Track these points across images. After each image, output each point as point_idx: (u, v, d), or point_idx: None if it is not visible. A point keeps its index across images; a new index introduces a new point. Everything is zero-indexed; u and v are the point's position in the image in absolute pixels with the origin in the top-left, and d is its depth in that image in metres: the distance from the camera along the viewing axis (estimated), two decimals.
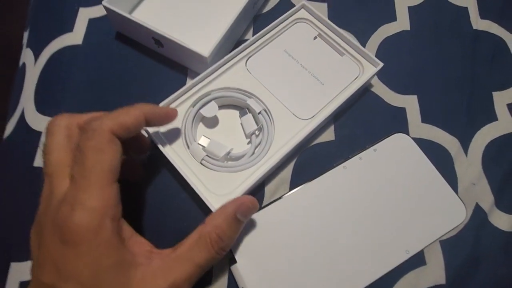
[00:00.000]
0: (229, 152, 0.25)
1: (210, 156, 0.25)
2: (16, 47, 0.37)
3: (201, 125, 0.27)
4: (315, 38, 0.29)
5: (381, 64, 0.27)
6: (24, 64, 0.32)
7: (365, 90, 0.30)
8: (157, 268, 0.18)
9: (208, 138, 0.26)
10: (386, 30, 0.32)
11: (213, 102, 0.26)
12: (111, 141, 0.18)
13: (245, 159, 0.25)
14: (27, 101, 0.29)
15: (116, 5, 0.27)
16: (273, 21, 0.32)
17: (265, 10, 0.33)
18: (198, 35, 0.30)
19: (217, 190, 0.24)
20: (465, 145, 0.28)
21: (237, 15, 0.28)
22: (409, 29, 0.32)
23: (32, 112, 0.29)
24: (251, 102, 0.26)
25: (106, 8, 0.27)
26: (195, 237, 0.19)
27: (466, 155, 0.27)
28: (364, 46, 0.31)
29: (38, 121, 0.28)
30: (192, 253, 0.18)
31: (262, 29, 0.32)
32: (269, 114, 0.27)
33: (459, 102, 0.29)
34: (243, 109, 0.27)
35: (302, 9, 0.30)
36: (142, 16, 0.31)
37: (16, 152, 0.28)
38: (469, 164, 0.27)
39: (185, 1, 0.32)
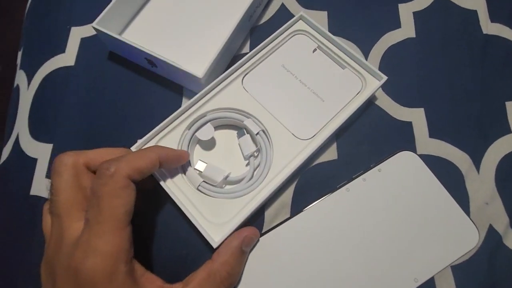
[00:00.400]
0: (227, 177, 0.24)
1: (207, 182, 0.24)
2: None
3: (197, 147, 0.26)
4: (314, 50, 0.28)
5: (384, 78, 0.26)
6: (18, 86, 0.31)
7: (369, 103, 0.28)
8: None
9: (205, 163, 0.25)
10: (390, 38, 0.30)
11: (209, 124, 0.25)
12: (126, 187, 0.18)
13: (243, 184, 0.24)
14: (21, 126, 0.29)
15: (106, 26, 0.27)
16: (272, 32, 0.31)
17: (262, 21, 0.31)
18: (193, 52, 0.29)
19: (215, 218, 0.23)
20: (476, 161, 0.26)
21: (233, 30, 0.27)
22: (414, 36, 0.30)
23: (26, 137, 0.28)
24: (248, 123, 0.25)
25: (96, 29, 0.27)
26: (204, 274, 0.19)
27: (478, 172, 0.26)
28: (366, 56, 0.30)
29: (32, 147, 0.28)
30: None
31: (260, 42, 0.31)
32: (267, 135, 0.25)
33: (470, 114, 0.28)
34: (241, 129, 0.26)
35: (300, 21, 0.29)
36: (134, 35, 0.30)
37: (12, 179, 0.28)
38: (482, 182, 0.26)
39: (177, 17, 0.31)
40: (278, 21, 0.31)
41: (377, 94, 0.28)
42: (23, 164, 0.27)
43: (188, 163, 0.24)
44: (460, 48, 0.30)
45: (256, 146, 0.25)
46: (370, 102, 0.28)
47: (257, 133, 0.25)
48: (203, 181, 0.24)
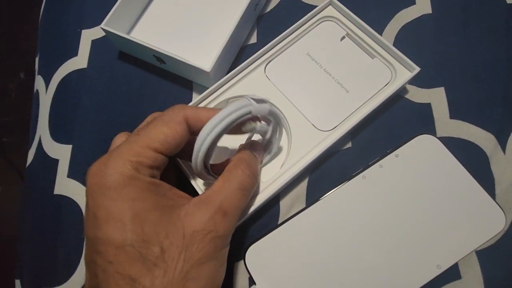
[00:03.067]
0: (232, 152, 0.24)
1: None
2: None
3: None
4: (342, 38, 0.27)
5: (417, 69, 0.24)
6: (37, 91, 0.32)
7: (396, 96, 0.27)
8: (199, 202, 0.18)
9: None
10: (405, 16, 0.29)
11: (220, 146, 0.22)
12: (179, 122, 0.19)
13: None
14: (43, 129, 0.30)
15: (114, 26, 0.27)
16: (279, 20, 0.30)
17: (268, 9, 0.31)
18: (200, 46, 0.29)
19: None
20: (502, 141, 0.25)
21: (238, 21, 0.26)
22: (430, 12, 0.28)
23: (48, 140, 0.29)
24: (256, 110, 0.20)
25: (104, 30, 0.27)
26: (226, 172, 0.19)
27: (504, 152, 0.24)
28: (380, 35, 0.28)
29: (54, 149, 0.29)
30: (230, 179, 0.19)
31: (267, 31, 0.30)
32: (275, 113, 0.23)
33: (494, 91, 0.26)
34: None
35: (330, 6, 0.27)
36: (141, 33, 0.30)
37: (37, 180, 0.29)
38: (508, 162, 0.24)
39: (183, 12, 0.30)
40: (284, 8, 0.30)
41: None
42: (46, 166, 0.29)
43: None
44: (481, 22, 0.28)
45: (268, 123, 0.22)
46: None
47: (270, 113, 0.21)
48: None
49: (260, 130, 0.21)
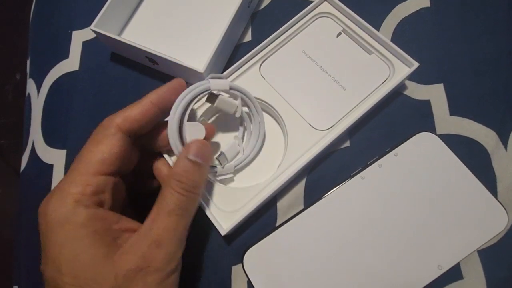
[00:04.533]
0: (239, 141, 0.24)
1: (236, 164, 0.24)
2: None
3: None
4: (338, 34, 0.26)
5: (416, 64, 0.24)
6: (29, 95, 0.32)
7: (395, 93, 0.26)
8: (135, 238, 0.17)
9: (219, 153, 0.24)
10: (403, 10, 0.28)
11: (192, 123, 0.22)
12: (112, 135, 0.18)
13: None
14: (35, 134, 0.30)
15: (104, 27, 0.26)
16: (273, 17, 0.29)
17: (262, 6, 0.30)
18: (193, 46, 0.28)
19: (226, 206, 0.23)
20: (504, 138, 0.24)
21: (232, 18, 0.26)
22: (429, 5, 0.28)
23: (41, 144, 0.29)
24: (215, 85, 0.22)
25: (95, 32, 0.26)
26: (159, 194, 0.19)
27: (506, 149, 0.24)
28: (377, 31, 0.28)
29: (48, 154, 0.28)
30: (160, 206, 0.18)
31: (262, 28, 0.29)
32: (238, 88, 0.23)
33: (495, 86, 0.25)
34: (212, 97, 0.24)
35: (325, 2, 0.27)
36: (133, 34, 0.29)
37: (32, 186, 0.29)
38: (510, 159, 0.24)
39: (175, 12, 0.30)
40: (279, 5, 0.29)
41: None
42: (41, 171, 0.28)
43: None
44: (481, 15, 0.27)
45: (236, 98, 0.23)
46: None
47: (230, 88, 0.23)
48: (235, 166, 0.24)
49: (226, 102, 0.23)
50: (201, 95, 0.22)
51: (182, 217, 0.18)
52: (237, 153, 0.24)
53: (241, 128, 0.25)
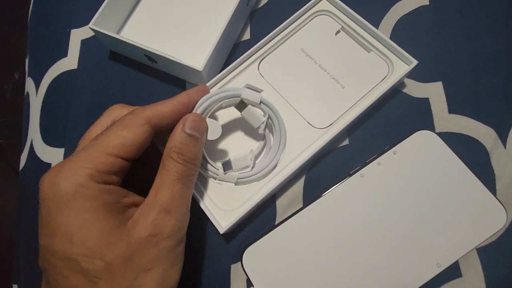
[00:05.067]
0: (252, 157, 0.24)
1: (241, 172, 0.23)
2: None
3: (206, 147, 0.25)
4: (337, 32, 0.26)
5: (414, 62, 0.24)
6: (28, 93, 0.32)
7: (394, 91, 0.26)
8: (143, 207, 0.18)
9: (227, 160, 0.24)
10: (401, 8, 0.28)
11: (211, 120, 0.23)
12: (140, 125, 0.18)
13: (254, 170, 0.23)
14: (34, 133, 0.29)
15: (103, 26, 0.26)
16: (272, 15, 0.29)
17: (261, 4, 0.30)
18: (192, 44, 0.28)
19: (224, 205, 0.23)
20: (503, 136, 0.24)
21: (230, 17, 0.26)
22: (427, 3, 0.28)
23: (40, 143, 0.29)
24: (246, 95, 0.23)
25: (93, 30, 0.26)
26: (160, 166, 0.19)
27: (505, 147, 0.24)
28: (376, 29, 0.28)
29: (46, 153, 0.28)
30: (164, 176, 0.18)
31: (261, 26, 0.29)
32: (269, 105, 0.24)
33: (494, 84, 0.25)
34: (241, 105, 0.24)
35: (324, 0, 0.27)
36: (132, 32, 0.29)
37: (31, 185, 0.29)
38: (509, 157, 0.24)
39: (174, 10, 0.30)
40: (278, 3, 0.29)
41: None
42: (39, 170, 0.28)
43: (216, 168, 0.24)
44: (480, 12, 0.27)
45: (264, 114, 0.24)
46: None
47: (260, 102, 0.23)
48: (239, 173, 0.23)
49: (252, 114, 0.23)
50: (229, 99, 0.23)
51: (186, 186, 0.19)
52: (246, 167, 0.23)
53: (261, 143, 0.25)
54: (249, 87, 0.23)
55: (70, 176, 0.16)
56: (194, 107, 0.22)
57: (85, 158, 0.17)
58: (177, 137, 0.19)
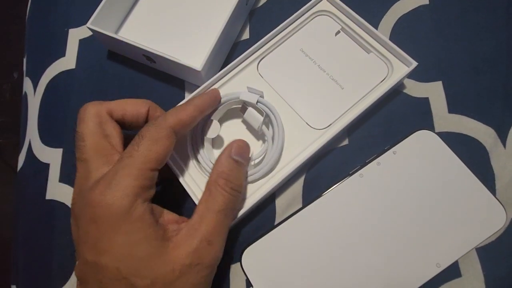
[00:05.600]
0: (252, 155, 0.23)
1: None
2: None
3: (207, 146, 0.25)
4: (337, 33, 0.26)
5: (414, 64, 0.23)
6: (25, 93, 0.32)
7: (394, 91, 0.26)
8: (186, 233, 0.18)
9: None
10: (401, 7, 0.28)
11: (213, 121, 0.24)
12: (167, 136, 0.19)
13: (253, 170, 0.23)
14: (32, 133, 0.29)
15: (101, 25, 0.26)
16: (272, 15, 0.29)
17: (260, 3, 0.30)
18: (191, 43, 0.28)
19: None
20: (502, 135, 0.24)
21: (229, 16, 0.25)
22: (427, 3, 0.28)
23: (38, 143, 0.29)
24: (244, 96, 0.24)
25: (91, 30, 0.26)
26: (206, 191, 0.20)
27: (505, 147, 0.24)
28: (376, 28, 0.28)
29: (44, 153, 0.28)
30: (209, 205, 0.19)
31: (260, 26, 0.29)
32: (267, 104, 0.24)
33: (494, 84, 0.25)
34: (244, 108, 0.25)
35: (324, 0, 0.26)
36: (130, 32, 0.29)
37: (28, 185, 0.29)
38: (509, 157, 0.24)
39: (172, 10, 0.29)
40: (277, 3, 0.29)
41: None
42: (37, 170, 0.28)
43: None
44: (480, 11, 0.27)
45: (262, 114, 0.24)
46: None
47: (257, 102, 0.24)
48: None
49: (252, 115, 0.23)
50: (230, 103, 0.24)
51: (228, 217, 0.19)
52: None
53: (261, 144, 0.25)
54: (249, 90, 0.24)
55: (121, 196, 0.17)
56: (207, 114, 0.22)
57: (129, 177, 0.17)
58: (224, 163, 0.20)
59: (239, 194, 0.20)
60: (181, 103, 0.24)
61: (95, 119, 0.20)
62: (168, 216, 0.20)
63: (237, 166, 0.20)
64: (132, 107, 0.21)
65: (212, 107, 0.23)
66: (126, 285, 0.16)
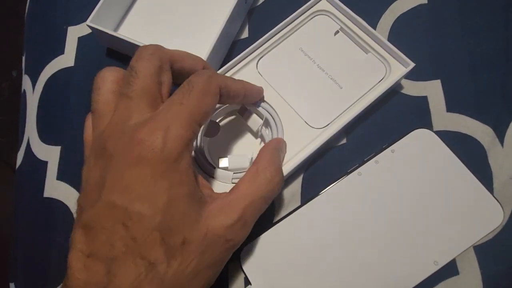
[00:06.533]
0: (252, 158, 0.24)
1: (236, 172, 0.23)
2: None
3: (207, 146, 0.25)
4: (336, 33, 0.26)
5: (412, 64, 0.24)
6: (24, 91, 0.31)
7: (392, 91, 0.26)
8: (224, 206, 0.18)
9: (225, 157, 0.24)
10: (400, 6, 0.28)
11: (211, 121, 0.24)
12: (215, 93, 0.18)
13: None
14: (31, 130, 0.29)
15: (100, 23, 0.26)
16: (271, 14, 0.29)
17: (260, 2, 0.30)
18: (190, 42, 0.28)
19: None
20: (500, 134, 0.24)
21: (229, 15, 0.25)
22: (426, 2, 0.28)
23: (36, 141, 0.29)
24: None
25: (90, 27, 0.26)
26: (254, 171, 0.19)
27: (502, 145, 0.24)
28: (374, 29, 0.28)
29: (43, 151, 0.28)
30: (254, 188, 0.18)
31: (259, 25, 0.29)
32: (268, 103, 0.25)
33: (492, 83, 0.25)
34: (244, 110, 0.25)
35: (323, 0, 0.27)
36: (130, 30, 0.29)
37: (27, 183, 0.29)
38: (506, 156, 0.24)
39: (172, 8, 0.29)
40: (277, 2, 0.29)
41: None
42: (36, 168, 0.28)
43: (212, 166, 0.24)
44: (478, 10, 0.27)
45: (261, 118, 0.24)
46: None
47: (258, 105, 0.24)
48: (234, 173, 0.23)
49: (251, 117, 0.24)
50: (226, 108, 0.25)
51: (266, 206, 0.19)
52: (244, 168, 0.23)
53: (260, 145, 0.25)
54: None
55: (174, 139, 0.15)
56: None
57: (180, 124, 0.16)
58: (275, 152, 0.20)
59: (280, 189, 0.20)
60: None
61: (156, 62, 0.18)
62: (201, 180, 0.19)
63: (280, 159, 0.21)
64: (190, 61, 0.20)
65: (254, 99, 0.23)
66: (158, 239, 0.15)
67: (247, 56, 0.26)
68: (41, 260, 0.26)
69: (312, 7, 0.27)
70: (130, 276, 0.14)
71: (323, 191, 0.23)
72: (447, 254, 0.21)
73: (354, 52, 0.26)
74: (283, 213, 0.24)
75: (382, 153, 0.24)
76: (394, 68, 0.25)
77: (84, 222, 0.15)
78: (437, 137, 0.24)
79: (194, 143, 0.24)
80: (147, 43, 0.25)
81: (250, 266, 0.22)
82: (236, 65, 0.26)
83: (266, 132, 0.24)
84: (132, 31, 0.29)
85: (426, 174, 0.23)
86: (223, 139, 0.25)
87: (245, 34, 0.29)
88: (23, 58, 0.33)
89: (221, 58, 0.28)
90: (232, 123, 0.26)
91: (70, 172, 0.27)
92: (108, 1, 0.27)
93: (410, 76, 0.26)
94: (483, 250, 0.22)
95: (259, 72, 0.26)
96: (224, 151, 0.25)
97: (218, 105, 0.25)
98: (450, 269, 0.22)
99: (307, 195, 0.24)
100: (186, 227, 0.16)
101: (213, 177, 0.23)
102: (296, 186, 0.24)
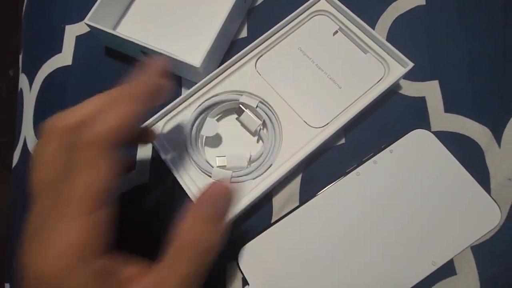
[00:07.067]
0: (250, 157, 0.24)
1: (236, 171, 0.23)
2: None
3: (207, 146, 0.25)
4: (335, 33, 0.26)
5: (410, 65, 0.24)
6: (21, 90, 0.31)
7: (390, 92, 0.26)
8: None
9: (222, 156, 0.24)
10: (398, 7, 0.28)
11: (209, 119, 0.24)
12: (104, 155, 0.14)
13: (250, 169, 0.23)
14: (27, 129, 0.29)
15: (98, 21, 0.26)
16: (270, 13, 0.29)
17: (259, 2, 0.30)
18: (189, 40, 0.28)
19: None
20: (497, 135, 0.24)
21: (228, 14, 0.25)
22: (424, 3, 0.28)
23: (33, 140, 0.28)
24: (244, 99, 0.24)
25: (89, 26, 0.26)
26: (176, 247, 0.15)
27: (500, 146, 0.24)
28: (373, 29, 0.28)
29: None
30: (176, 265, 0.14)
31: (258, 24, 0.29)
32: (267, 105, 0.25)
33: (490, 84, 0.25)
34: (241, 111, 0.25)
35: (322, 0, 0.27)
36: (128, 28, 0.29)
37: (24, 183, 0.28)
38: (504, 157, 0.24)
39: (171, 6, 0.29)
40: (276, 1, 0.29)
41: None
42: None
43: (209, 164, 0.24)
44: (476, 11, 0.27)
45: (260, 119, 0.24)
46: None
47: (257, 106, 0.24)
48: (233, 172, 0.23)
49: (249, 118, 0.24)
50: (230, 103, 0.25)
51: (198, 276, 0.15)
52: (241, 167, 0.23)
53: (259, 145, 0.25)
54: (248, 96, 0.25)
55: (54, 257, 0.13)
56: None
57: (67, 227, 0.13)
58: (192, 229, 0.15)
59: (212, 255, 0.15)
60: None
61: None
62: (131, 270, 0.15)
63: (215, 225, 0.15)
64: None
65: (161, 99, 0.18)
66: None
67: (246, 55, 0.26)
68: None
69: (311, 7, 0.27)
70: None
71: (321, 191, 0.23)
72: (444, 254, 0.21)
73: (353, 52, 0.26)
74: (281, 214, 0.24)
75: (381, 153, 0.24)
76: (393, 68, 0.25)
77: None
78: (435, 137, 0.24)
79: (193, 142, 0.24)
80: (145, 42, 0.25)
81: (248, 267, 0.22)
82: (234, 64, 0.26)
83: (264, 133, 0.24)
84: (131, 29, 0.29)
85: (424, 174, 0.23)
86: (221, 137, 0.25)
87: (244, 34, 0.29)
88: (20, 56, 0.33)
89: (220, 57, 0.28)
90: (229, 122, 0.26)
91: None
92: (106, 0, 0.27)
93: (408, 76, 0.26)
94: (480, 251, 0.22)
95: (258, 72, 0.26)
96: (222, 150, 0.25)
97: (215, 103, 0.25)
98: (447, 269, 0.22)
99: (306, 195, 0.24)
100: None
101: (210, 176, 0.23)
102: (295, 186, 0.24)
